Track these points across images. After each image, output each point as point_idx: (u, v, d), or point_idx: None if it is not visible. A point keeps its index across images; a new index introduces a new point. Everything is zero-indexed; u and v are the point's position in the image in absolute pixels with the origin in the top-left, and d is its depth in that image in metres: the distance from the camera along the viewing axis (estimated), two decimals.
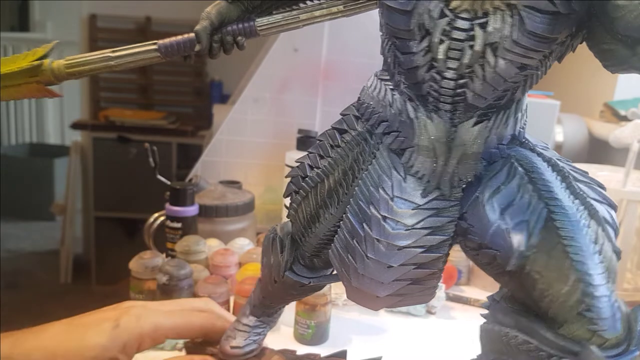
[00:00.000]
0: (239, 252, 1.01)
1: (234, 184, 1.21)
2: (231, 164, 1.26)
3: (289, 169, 1.20)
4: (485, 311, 0.46)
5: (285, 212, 1.17)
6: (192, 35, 0.48)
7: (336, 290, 0.96)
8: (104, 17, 2.96)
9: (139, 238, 2.97)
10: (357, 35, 1.24)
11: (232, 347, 0.60)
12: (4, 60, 0.49)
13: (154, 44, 0.48)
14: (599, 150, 1.37)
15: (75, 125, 2.92)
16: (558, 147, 1.38)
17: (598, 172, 1.10)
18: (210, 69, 3.12)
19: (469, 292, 1.09)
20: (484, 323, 0.46)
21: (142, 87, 3.06)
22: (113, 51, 0.48)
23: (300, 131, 1.22)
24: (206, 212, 1.07)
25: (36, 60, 0.48)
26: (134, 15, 2.96)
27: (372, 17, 1.00)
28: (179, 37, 0.49)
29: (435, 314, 0.99)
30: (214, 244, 1.02)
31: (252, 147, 1.27)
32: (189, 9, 2.97)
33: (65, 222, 3.08)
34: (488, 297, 0.47)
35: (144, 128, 2.83)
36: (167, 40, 0.48)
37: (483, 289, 1.11)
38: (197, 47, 0.49)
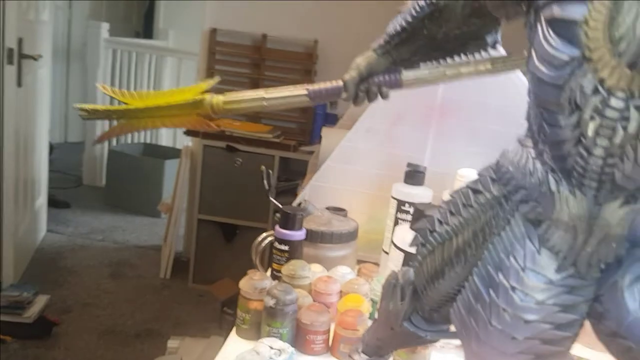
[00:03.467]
0: (341, 280, 1.02)
1: (339, 210, 1.23)
2: (338, 191, 1.29)
3: (395, 201, 1.21)
4: None
5: (386, 242, 1.18)
6: (340, 83, 0.51)
7: None
8: (223, 31, 3.12)
9: (236, 243, 3.08)
10: None
11: None
12: (167, 92, 0.54)
13: (305, 89, 0.51)
14: None
15: (188, 132, 3.09)
16: None
17: None
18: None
19: (573, 349, 1.04)
20: None
21: None
22: (266, 92, 0.52)
23: (409, 165, 1.22)
24: (312, 237, 1.10)
25: (199, 94, 0.52)
26: (251, 32, 3.09)
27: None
28: (328, 84, 0.51)
29: None
30: (317, 269, 1.05)
31: (360, 176, 1.28)
32: (303, 28, 3.07)
33: (170, 220, 3.25)
34: None
35: (251, 140, 2.94)
36: (316, 87, 0.51)
37: (589, 346, 1.06)
38: (344, 96, 0.51)
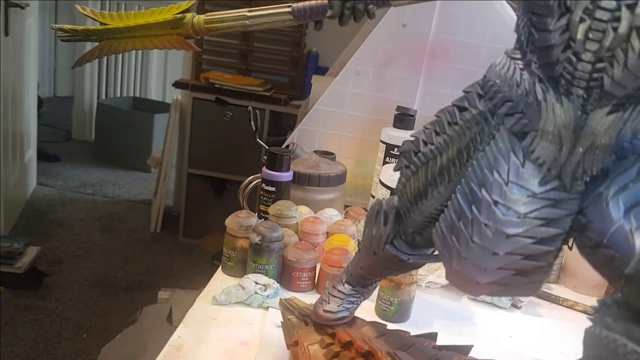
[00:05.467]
0: (328, 222, 1.02)
1: (328, 154, 1.22)
2: (327, 135, 1.27)
3: (384, 145, 1.20)
4: (589, 316, 0.44)
5: (375, 187, 1.17)
6: (325, 1, 0.49)
7: (421, 271, 0.96)
8: None
9: (226, 197, 3.08)
10: (467, 13, 1.20)
11: (325, 311, 0.61)
12: (147, 11, 0.52)
13: (289, 6, 0.49)
14: None
15: (177, 84, 3.04)
16: None
17: None
18: (309, 40, 3.14)
19: (557, 290, 1.05)
20: (590, 326, 0.44)
21: (243, 52, 3.13)
22: (249, 11, 0.50)
23: (398, 108, 1.21)
24: (299, 179, 1.09)
25: (179, 13, 0.50)
26: None
27: None
28: (313, 2, 0.49)
29: (521, 308, 0.96)
30: (304, 211, 1.04)
31: (349, 120, 1.27)
32: None
33: (160, 175, 3.24)
34: (598, 301, 0.44)
35: (241, 92, 2.91)
36: (300, 4, 0.49)
37: (573, 289, 1.07)
38: (329, 13, 0.49)
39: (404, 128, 1.17)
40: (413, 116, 1.18)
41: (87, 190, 3.65)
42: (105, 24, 0.59)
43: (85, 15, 0.61)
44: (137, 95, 4.48)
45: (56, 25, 0.59)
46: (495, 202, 0.42)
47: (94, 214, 3.35)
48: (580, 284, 1.06)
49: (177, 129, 3.19)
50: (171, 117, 3.18)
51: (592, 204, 0.40)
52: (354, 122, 1.27)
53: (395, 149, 1.16)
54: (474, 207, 0.43)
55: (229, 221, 0.91)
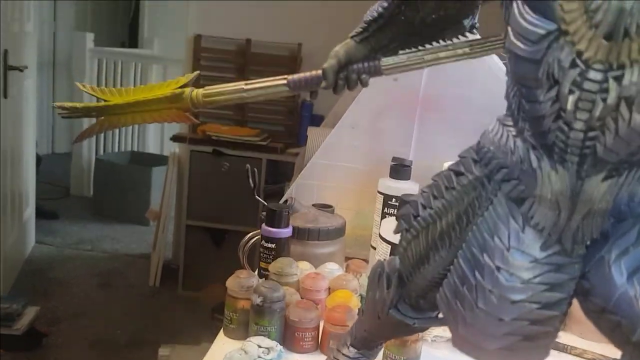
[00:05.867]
0: (329, 277, 1.02)
1: (326, 207, 1.22)
2: (325, 188, 1.28)
3: (381, 196, 1.20)
4: None
5: (374, 238, 1.17)
6: (319, 72, 0.50)
7: None
8: (208, 37, 3.10)
9: (225, 248, 3.06)
10: (457, 66, 1.23)
11: None
12: (146, 87, 0.53)
13: (284, 79, 0.50)
14: None
15: (175, 138, 3.07)
16: None
17: None
18: None
19: (564, 338, 1.04)
20: None
21: (239, 104, 3.17)
22: (246, 84, 0.51)
23: (394, 159, 1.21)
24: (299, 234, 1.09)
25: (178, 88, 0.52)
26: (236, 37, 3.09)
27: None
28: (307, 74, 0.51)
29: None
30: (305, 267, 1.04)
31: (346, 172, 1.28)
32: (287, 32, 3.06)
33: (159, 227, 3.23)
34: None
35: (238, 143, 2.93)
36: (295, 76, 0.50)
37: (580, 335, 1.05)
38: (323, 84, 0.50)
39: (400, 178, 1.18)
40: (409, 166, 1.19)
41: (85, 246, 3.63)
42: (105, 100, 0.60)
43: (86, 92, 0.62)
44: (135, 149, 4.51)
45: (57, 104, 0.60)
46: (498, 268, 0.42)
47: (93, 270, 3.32)
48: (587, 330, 1.05)
49: (175, 181, 3.20)
50: (169, 170, 3.20)
51: (594, 268, 0.40)
52: (351, 174, 1.28)
53: (393, 200, 1.16)
54: (477, 273, 0.44)
55: (230, 282, 0.90)
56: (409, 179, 1.19)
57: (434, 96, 1.23)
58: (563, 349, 1.00)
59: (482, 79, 1.20)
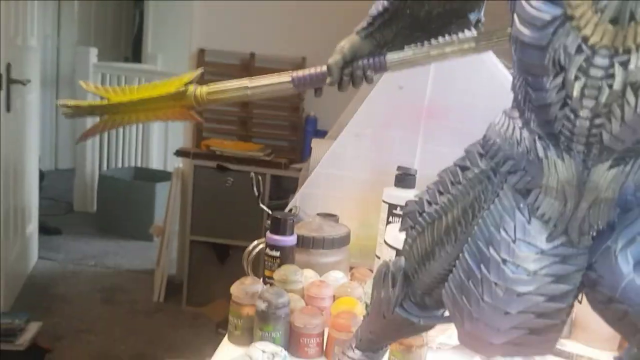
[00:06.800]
0: (334, 285, 1.01)
1: (331, 217, 1.22)
2: (329, 197, 1.28)
3: (386, 205, 1.20)
4: None
5: (379, 248, 1.16)
6: (324, 68, 0.50)
7: (431, 332, 0.93)
8: (212, 52, 3.13)
9: (230, 263, 3.05)
10: (462, 74, 1.23)
11: None
12: (150, 85, 0.53)
13: (289, 75, 0.50)
14: None
15: (179, 153, 3.08)
16: None
17: None
18: (307, 104, 3.20)
19: (570, 346, 1.03)
20: None
21: (242, 119, 3.19)
22: (250, 80, 0.51)
23: (399, 168, 1.21)
24: (303, 242, 1.09)
25: (182, 86, 0.52)
26: (239, 51, 3.11)
27: (480, 57, 0.98)
28: (312, 70, 0.51)
29: None
30: (309, 274, 1.03)
31: (350, 182, 1.27)
32: (291, 45, 3.08)
33: (162, 243, 3.22)
34: (615, 357, 0.44)
35: (242, 158, 2.93)
36: (300, 73, 0.50)
37: (586, 343, 1.04)
38: (328, 80, 0.50)
39: (405, 187, 1.18)
40: (414, 175, 1.19)
41: (89, 262, 3.62)
42: (109, 99, 0.60)
43: (89, 91, 0.62)
44: (139, 165, 4.52)
45: (60, 102, 0.60)
46: (504, 261, 0.42)
47: (96, 286, 3.30)
48: (593, 338, 1.04)
49: (178, 197, 3.20)
50: (173, 185, 3.20)
51: (600, 258, 0.39)
52: (356, 184, 1.27)
53: (398, 209, 1.16)
54: (482, 266, 0.43)
55: (235, 289, 0.90)
56: (414, 187, 1.18)
57: (439, 105, 1.23)
58: (569, 357, 0.99)
59: (487, 88, 1.20)
